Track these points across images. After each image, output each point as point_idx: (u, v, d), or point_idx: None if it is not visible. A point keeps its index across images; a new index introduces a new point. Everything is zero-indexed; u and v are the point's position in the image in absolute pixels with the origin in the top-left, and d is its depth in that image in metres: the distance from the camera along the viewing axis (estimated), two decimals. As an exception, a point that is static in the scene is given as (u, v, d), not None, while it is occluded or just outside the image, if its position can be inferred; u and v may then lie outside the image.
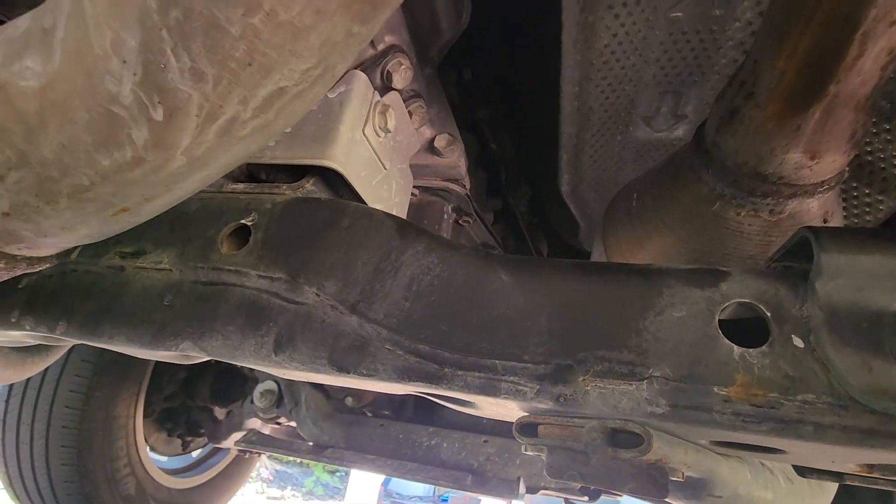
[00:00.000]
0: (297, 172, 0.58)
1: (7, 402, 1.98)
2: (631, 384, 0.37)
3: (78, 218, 0.33)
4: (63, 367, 1.93)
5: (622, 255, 0.73)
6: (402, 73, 0.67)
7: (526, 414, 0.44)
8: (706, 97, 0.89)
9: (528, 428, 0.45)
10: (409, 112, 0.74)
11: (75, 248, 0.54)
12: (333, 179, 0.57)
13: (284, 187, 0.56)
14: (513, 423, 0.46)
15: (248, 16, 0.25)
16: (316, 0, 0.25)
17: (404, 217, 0.74)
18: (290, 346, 0.46)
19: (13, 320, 0.56)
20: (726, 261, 0.61)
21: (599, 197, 1.16)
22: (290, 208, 0.53)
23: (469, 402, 0.48)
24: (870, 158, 0.80)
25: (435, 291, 0.44)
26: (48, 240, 0.34)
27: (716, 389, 0.36)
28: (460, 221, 0.97)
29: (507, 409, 0.47)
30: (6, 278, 0.37)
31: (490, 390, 0.40)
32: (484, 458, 1.64)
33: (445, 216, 0.91)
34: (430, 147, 0.81)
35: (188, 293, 0.51)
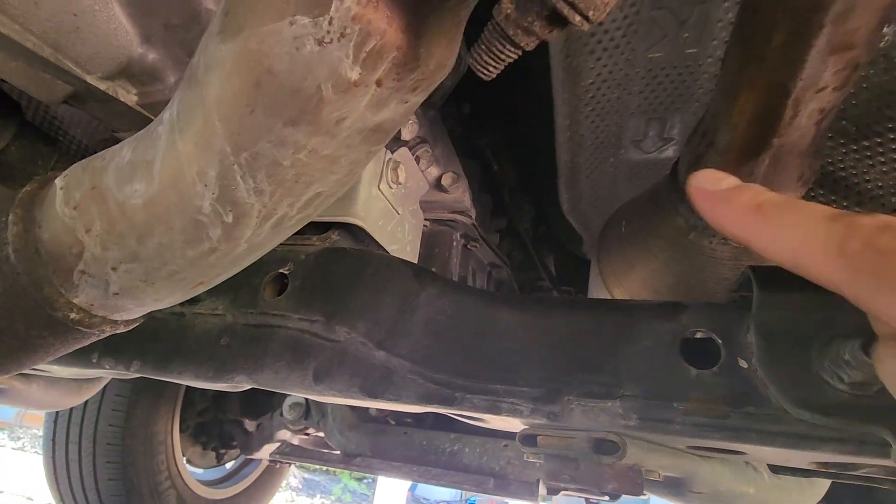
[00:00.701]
0: (324, 224, 0.68)
1: (55, 422, 2.12)
2: (607, 402, 0.46)
3: (168, 293, 0.42)
4: (104, 387, 2.06)
5: (615, 275, 0.81)
6: (409, 127, 0.76)
7: (527, 427, 0.53)
8: (690, 121, 0.97)
9: (529, 439, 0.53)
10: (416, 157, 0.83)
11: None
12: (354, 229, 0.66)
13: (314, 239, 0.65)
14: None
15: (297, 153, 0.34)
16: (346, 139, 0.34)
17: (417, 250, 0.83)
18: (329, 377, 0.55)
19: (94, 361, 0.66)
20: (704, 282, 0.68)
21: (598, 212, 1.24)
22: (321, 258, 0.62)
23: (479, 418, 0.57)
24: (843, 174, 0.87)
25: (448, 329, 0.53)
26: (143, 308, 0.44)
27: (676, 405, 0.44)
28: (468, 246, 1.06)
29: (510, 424, 0.55)
30: (108, 335, 0.47)
31: (494, 409, 0.49)
32: (505, 461, 1.71)
33: (454, 243, 1.00)
34: (438, 185, 0.90)
35: (241, 335, 0.61)
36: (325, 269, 0.61)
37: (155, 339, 0.64)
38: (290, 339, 0.59)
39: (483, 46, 0.27)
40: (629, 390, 0.45)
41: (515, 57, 0.27)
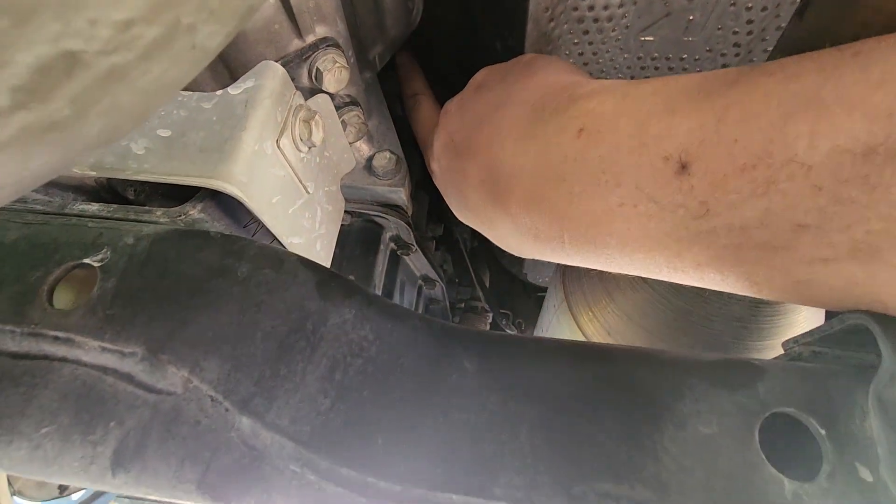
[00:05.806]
0: (183, 192, 0.42)
1: None
2: (649, 536, 0.26)
3: None
4: None
5: (587, 305, 0.64)
6: (335, 73, 0.53)
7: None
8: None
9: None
10: (343, 122, 0.60)
11: None
12: (232, 204, 0.42)
13: (159, 213, 0.40)
14: None
15: None
16: None
17: (332, 250, 0.60)
18: (139, 460, 0.30)
19: None
20: (709, 321, 0.53)
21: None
22: (163, 245, 0.37)
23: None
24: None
25: (367, 384, 0.31)
26: None
27: (768, 548, 0.25)
28: (399, 252, 0.84)
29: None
30: None
31: (445, 538, 0.27)
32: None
33: (382, 246, 0.78)
34: (368, 166, 0.68)
35: (-15, 370, 0.34)
36: (166, 264, 0.36)
37: None
38: (77, 385, 0.33)
39: None
40: (687, 517, 0.26)
41: None
